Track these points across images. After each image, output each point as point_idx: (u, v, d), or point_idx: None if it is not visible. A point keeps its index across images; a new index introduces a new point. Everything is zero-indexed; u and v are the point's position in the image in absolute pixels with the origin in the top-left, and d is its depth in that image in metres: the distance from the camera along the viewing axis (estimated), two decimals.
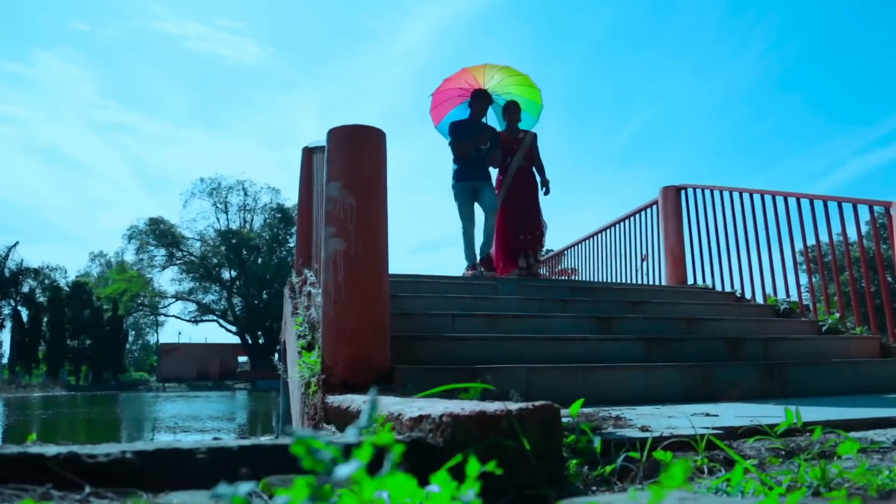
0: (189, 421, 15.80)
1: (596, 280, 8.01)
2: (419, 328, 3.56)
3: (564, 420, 1.49)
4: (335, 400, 2.39)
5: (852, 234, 4.87)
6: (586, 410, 2.39)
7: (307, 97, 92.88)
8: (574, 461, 1.33)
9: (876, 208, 4.78)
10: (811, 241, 5.11)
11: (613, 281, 7.58)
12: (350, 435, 0.69)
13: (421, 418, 1.27)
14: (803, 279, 5.40)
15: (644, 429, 1.73)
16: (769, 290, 5.49)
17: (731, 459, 1.53)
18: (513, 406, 1.19)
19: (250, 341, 47.43)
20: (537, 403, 1.22)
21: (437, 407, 1.33)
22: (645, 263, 6.96)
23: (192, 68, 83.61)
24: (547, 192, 6.21)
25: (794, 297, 5.26)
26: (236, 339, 48.98)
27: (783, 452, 1.57)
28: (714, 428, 1.80)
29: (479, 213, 5.98)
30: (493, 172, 6.16)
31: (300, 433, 0.67)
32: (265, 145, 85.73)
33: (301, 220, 5.21)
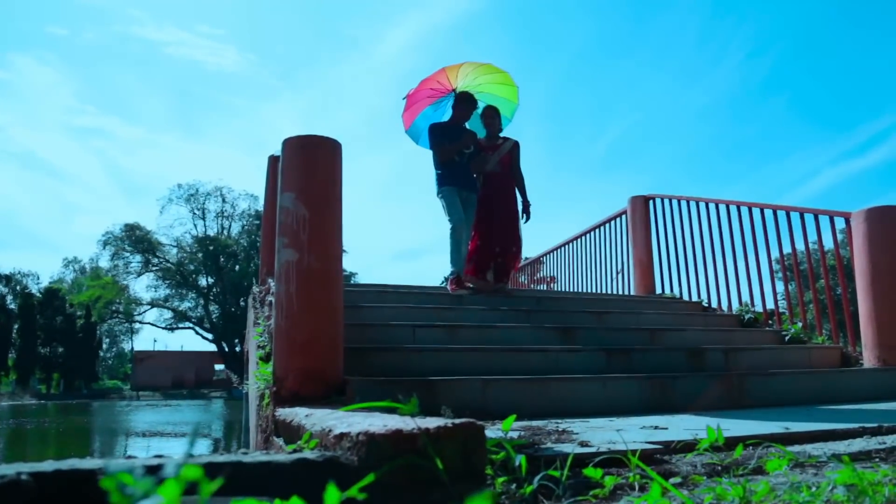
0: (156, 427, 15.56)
1: (568, 290, 8.04)
2: (378, 339, 3.54)
3: (497, 436, 1.47)
4: (283, 413, 2.35)
5: (827, 244, 4.94)
6: (535, 423, 2.38)
7: (287, 104, 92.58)
8: (501, 479, 1.31)
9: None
10: (777, 251, 5.17)
11: (584, 290, 7.61)
12: (170, 467, 0.67)
13: (342, 436, 1.25)
14: (772, 289, 5.45)
15: (583, 444, 1.72)
16: (736, 299, 5.54)
17: (667, 474, 1.52)
18: (432, 424, 1.17)
19: (227, 349, 46.94)
20: (457, 421, 1.20)
21: (360, 424, 1.31)
22: (620, 275, 6.99)
23: (171, 74, 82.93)
24: (527, 219, 5.47)
25: (769, 305, 5.31)
26: (213, 347, 48.47)
27: (719, 468, 1.57)
28: (656, 442, 1.79)
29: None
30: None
31: (113, 465, 0.64)
32: (244, 152, 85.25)
33: (266, 228, 5.15)
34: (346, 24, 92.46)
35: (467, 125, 5.43)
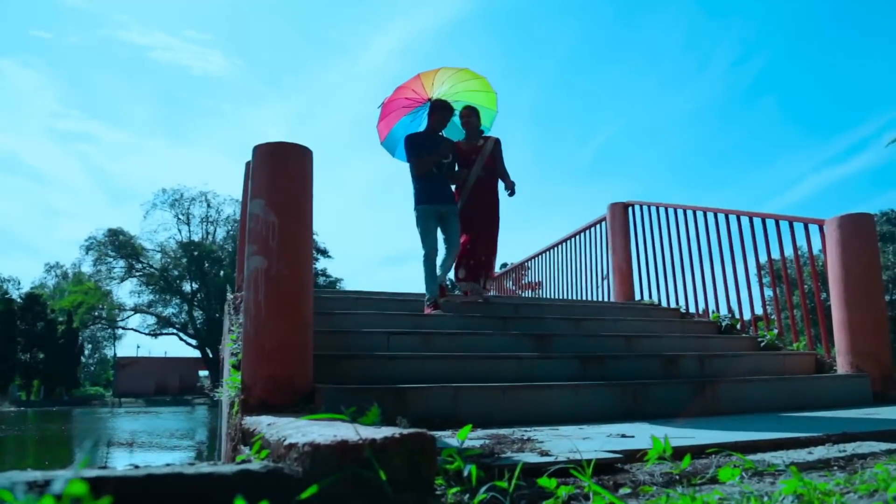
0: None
1: (554, 296, 8.04)
2: (351, 346, 3.52)
3: (454, 445, 1.47)
4: (249, 422, 2.33)
5: (813, 251, 4.98)
6: (501, 432, 2.37)
7: (274, 109, 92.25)
8: (454, 489, 1.30)
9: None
10: (754, 259, 5.21)
11: (569, 296, 7.63)
12: (58, 481, 0.65)
13: (290, 446, 1.23)
14: (748, 295, 5.48)
15: (543, 453, 1.71)
16: (714, 306, 5.58)
17: (623, 483, 1.52)
18: (378, 435, 1.16)
19: (211, 355, 46.53)
20: (406, 431, 1.19)
21: (313, 434, 1.30)
22: (606, 281, 7.00)
23: (156, 78, 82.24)
24: (512, 194, 5.35)
25: (746, 312, 5.33)
26: (197, 353, 48.09)
27: (676, 477, 1.57)
28: (618, 451, 1.79)
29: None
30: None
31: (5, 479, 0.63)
32: (230, 156, 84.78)
33: (242, 235, 5.12)
34: (332, 30, 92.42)
35: (445, 133, 5.27)
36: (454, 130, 5.47)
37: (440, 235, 5.07)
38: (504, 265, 10.70)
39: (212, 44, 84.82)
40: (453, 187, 5.24)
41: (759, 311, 5.49)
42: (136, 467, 1.24)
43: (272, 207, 2.66)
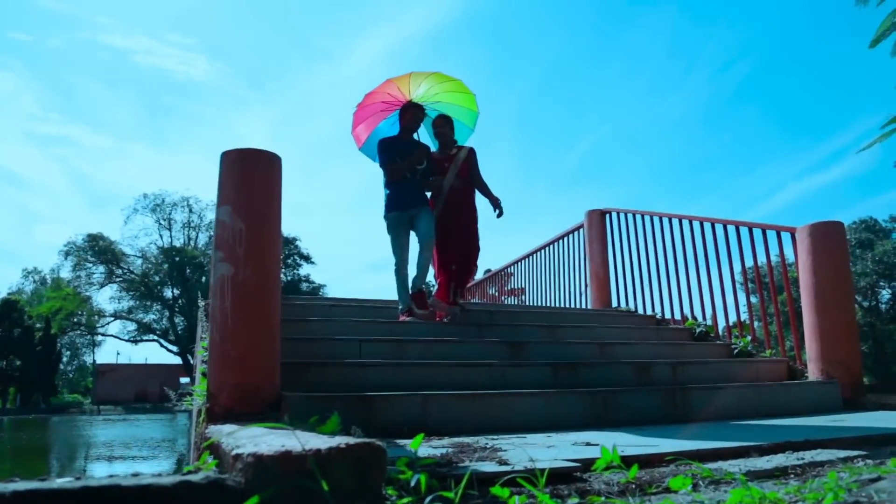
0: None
1: (538, 302, 8.05)
2: (323, 354, 3.50)
3: (406, 456, 1.46)
4: (211, 430, 2.31)
5: (789, 258, 5.03)
6: (465, 440, 2.37)
7: (258, 114, 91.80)
8: (405, 500, 1.29)
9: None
10: (728, 266, 5.25)
11: (551, 303, 7.64)
12: None
13: (237, 457, 1.22)
14: (723, 302, 5.53)
15: (502, 462, 1.71)
16: (691, 313, 5.61)
17: (578, 493, 1.52)
18: (324, 445, 1.15)
19: (192, 362, 46.13)
20: (353, 441, 1.18)
21: (264, 444, 1.29)
22: (589, 288, 7.00)
23: (139, 82, 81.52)
24: (500, 214, 5.16)
25: (730, 319, 5.38)
26: (178, 360, 47.63)
27: (633, 486, 1.57)
28: (576, 460, 1.79)
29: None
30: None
31: None
32: (213, 162, 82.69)
33: None
34: (317, 36, 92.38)
35: (418, 136, 5.14)
36: (430, 138, 5.34)
37: (414, 237, 4.91)
38: (488, 271, 10.71)
39: (195, 48, 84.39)
40: (428, 195, 5.09)
41: (733, 318, 5.54)
42: (78, 478, 1.22)
43: (239, 214, 2.64)
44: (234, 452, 1.24)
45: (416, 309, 4.71)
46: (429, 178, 5.05)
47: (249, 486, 1.09)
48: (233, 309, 2.59)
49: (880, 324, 26.69)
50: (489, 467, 1.62)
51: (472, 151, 5.24)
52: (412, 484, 1.26)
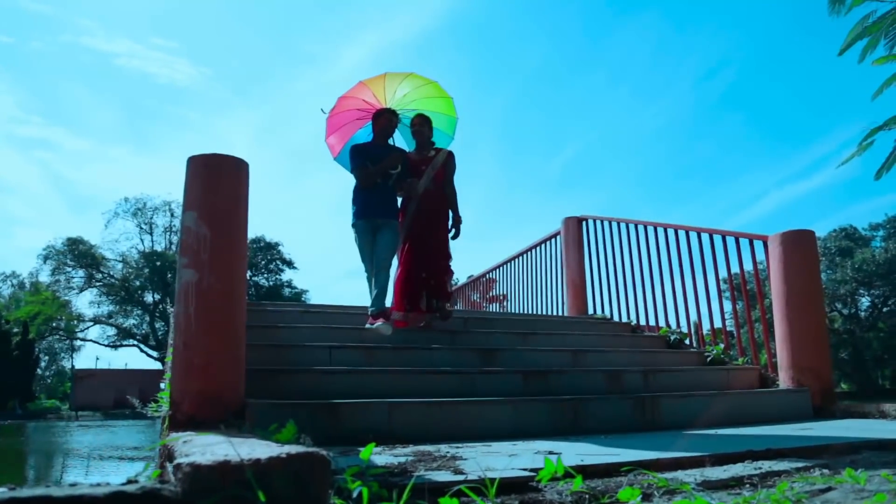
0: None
1: (513, 309, 8.05)
2: (292, 361, 3.47)
3: (356, 466, 1.45)
4: (170, 438, 2.28)
5: (753, 266, 5.06)
6: (426, 448, 2.35)
7: (242, 118, 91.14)
8: None
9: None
10: (702, 274, 5.29)
11: (524, 310, 7.65)
12: None
13: (178, 466, 1.21)
14: (696, 310, 5.55)
15: (457, 471, 1.70)
16: (665, 320, 5.64)
17: (530, 502, 1.52)
18: (264, 454, 1.14)
19: (162, 368, 45.66)
20: (294, 451, 1.17)
21: (213, 453, 1.27)
22: (562, 295, 7.02)
23: (121, 86, 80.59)
24: (455, 235, 4.93)
25: (703, 327, 5.40)
26: (158, 365, 47.14)
27: (586, 497, 1.57)
28: (531, 469, 1.78)
29: None
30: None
31: None
32: None
33: None
34: (302, 41, 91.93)
35: (393, 141, 4.97)
36: (406, 141, 5.19)
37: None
38: (470, 276, 10.74)
39: (179, 52, 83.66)
40: (400, 201, 4.89)
41: (707, 326, 5.57)
42: (12, 489, 1.20)
43: (204, 220, 2.62)
44: (177, 461, 1.23)
45: (395, 318, 4.52)
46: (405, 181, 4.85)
47: (186, 497, 1.08)
48: (196, 316, 2.57)
49: (860, 331, 26.97)
50: (443, 476, 1.61)
51: (451, 155, 5.04)
52: (354, 495, 1.24)
